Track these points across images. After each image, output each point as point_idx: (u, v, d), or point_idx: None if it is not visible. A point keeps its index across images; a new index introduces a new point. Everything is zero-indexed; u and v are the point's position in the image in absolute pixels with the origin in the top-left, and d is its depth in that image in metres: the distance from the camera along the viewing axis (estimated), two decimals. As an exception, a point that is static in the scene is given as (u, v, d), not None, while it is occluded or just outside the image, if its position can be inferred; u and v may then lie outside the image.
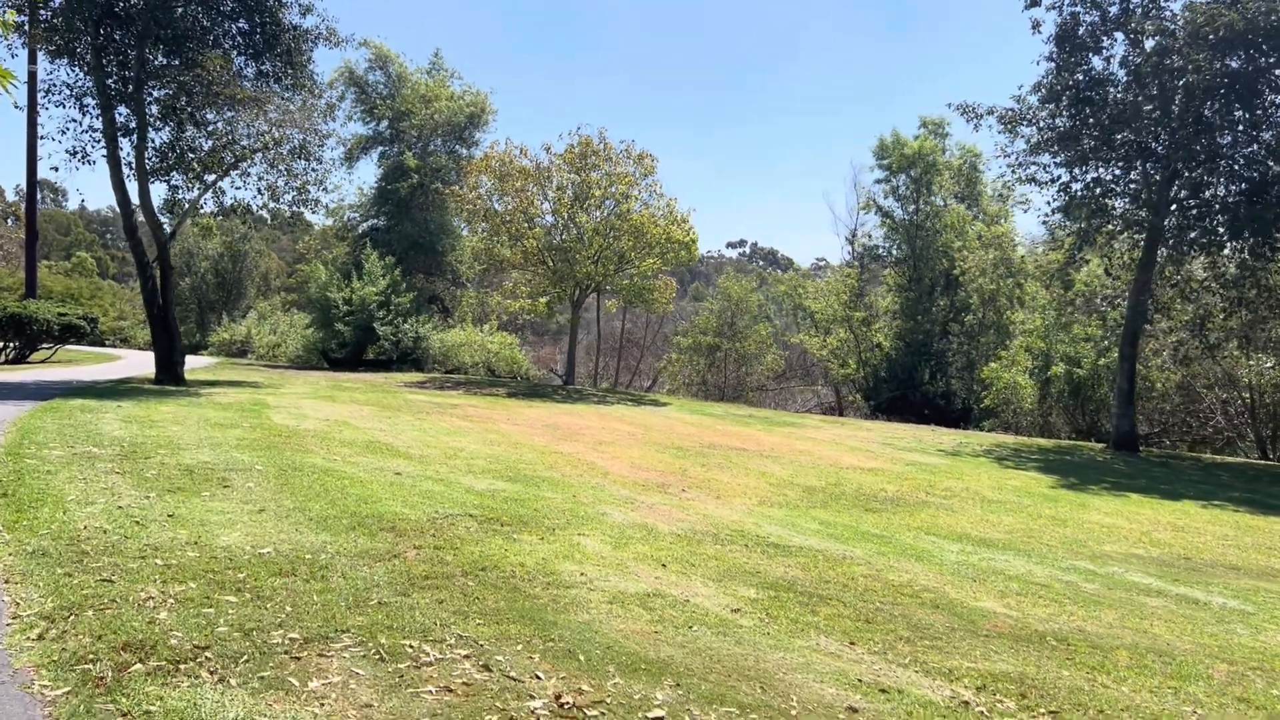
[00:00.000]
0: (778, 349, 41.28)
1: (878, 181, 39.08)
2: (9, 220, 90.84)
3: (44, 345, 30.56)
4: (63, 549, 5.90)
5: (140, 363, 31.86)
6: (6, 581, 5.21)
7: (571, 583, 6.68)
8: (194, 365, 31.76)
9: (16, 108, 18.62)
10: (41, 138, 19.72)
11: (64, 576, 5.35)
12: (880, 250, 39.52)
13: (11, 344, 29.16)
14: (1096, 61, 20.08)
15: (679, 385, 40.60)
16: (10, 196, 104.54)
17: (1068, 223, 21.38)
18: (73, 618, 4.72)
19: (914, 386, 34.91)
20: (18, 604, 4.86)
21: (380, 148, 40.06)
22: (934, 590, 7.83)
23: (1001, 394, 28.51)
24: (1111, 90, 19.36)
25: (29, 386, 17.64)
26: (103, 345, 52.31)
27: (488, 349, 34.48)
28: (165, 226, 20.72)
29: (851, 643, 6.19)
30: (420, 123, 38.44)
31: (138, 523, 6.77)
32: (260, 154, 21.06)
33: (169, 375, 19.73)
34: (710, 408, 27.29)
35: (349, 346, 34.15)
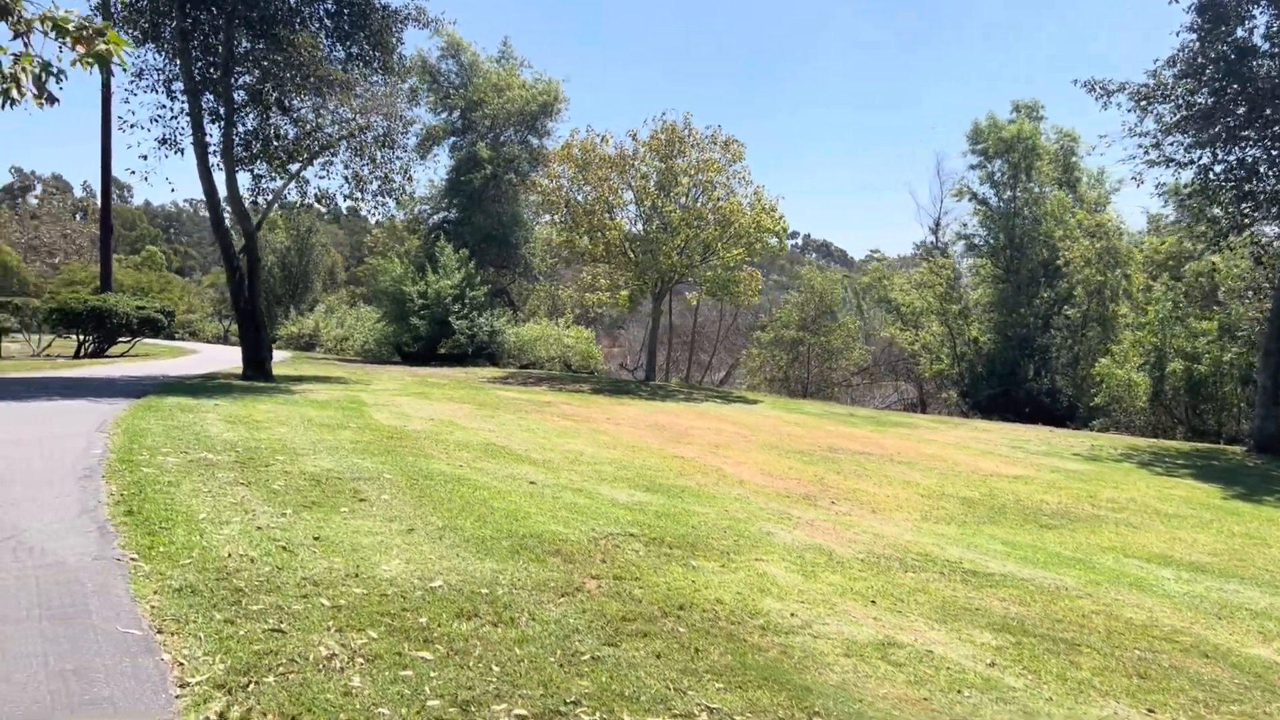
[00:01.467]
0: (863, 343, 39.76)
1: (972, 167, 37.30)
2: (78, 216, 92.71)
3: (122, 339, 30.36)
4: (213, 585, 5.01)
5: (217, 356, 31.59)
6: (160, 632, 4.31)
7: (788, 627, 5.66)
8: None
9: (107, 94, 17.87)
10: (133, 125, 19.05)
11: (225, 625, 4.44)
12: (975, 239, 37.70)
13: (91, 337, 29.00)
14: (1240, 33, 18.43)
15: (759, 381, 39.35)
16: (78, 193, 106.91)
17: (1205, 209, 19.72)
18: (253, 685, 3.80)
19: (1016, 383, 33.16)
20: (182, 665, 3.95)
21: (452, 138, 39.38)
22: (1186, 632, 6.69)
23: (1113, 392, 26.83)
24: (1262, 63, 17.72)
25: (118, 383, 17.10)
26: (173, 338, 52.64)
27: (564, 343, 33.63)
28: (251, 217, 20.08)
29: (1150, 710, 5.10)
30: (493, 112, 37.66)
31: (284, 548, 5.87)
32: (345, 141, 20.33)
33: (257, 370, 19.12)
34: (803, 405, 26.11)
35: (423, 340, 33.50)
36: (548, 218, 31.81)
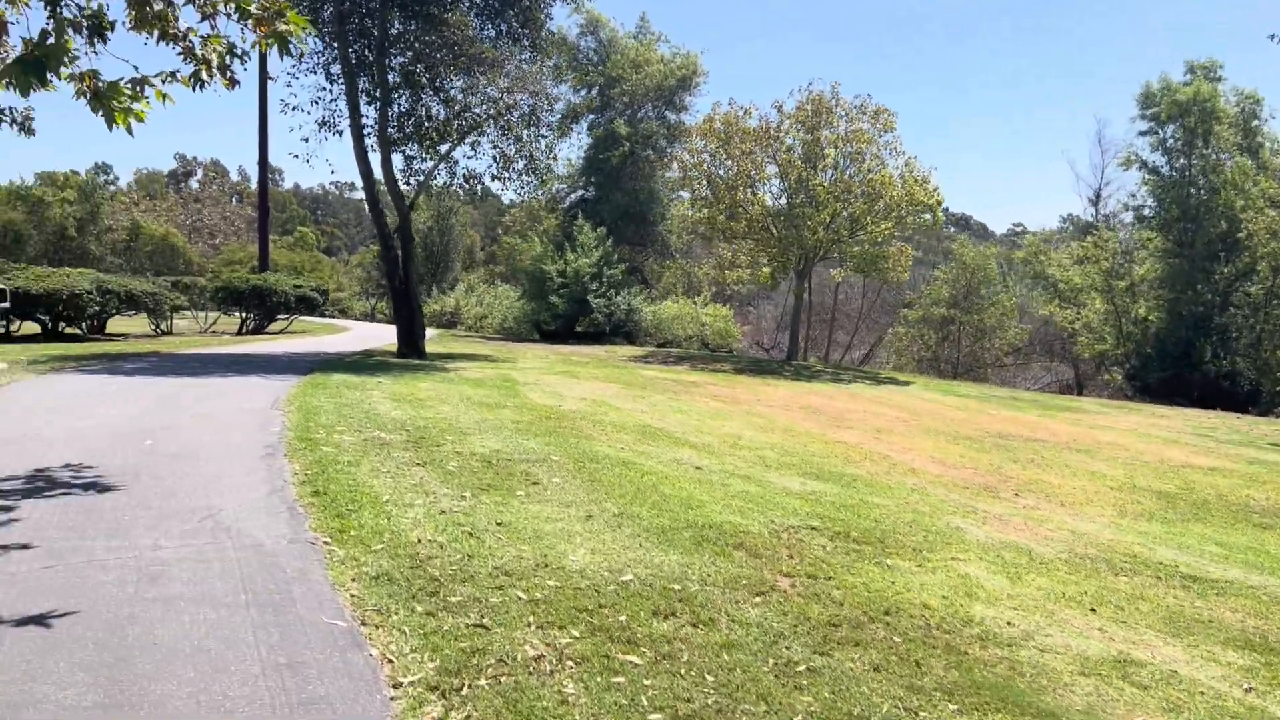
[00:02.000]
0: (1019, 321, 37.74)
1: (1141, 134, 34.69)
2: (234, 199, 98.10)
3: (280, 316, 31.77)
4: (408, 573, 4.89)
5: (368, 334, 32.70)
6: (364, 624, 4.19)
7: (1009, 638, 5.14)
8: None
9: (270, 79, 18.52)
10: (294, 108, 19.75)
11: (427, 618, 4.28)
12: (1144, 210, 35.09)
13: (253, 315, 30.48)
14: None
15: (906, 361, 37.99)
16: (234, 177, 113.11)
17: None
18: (466, 689, 3.61)
19: (1190, 365, 30.76)
20: (392, 663, 3.80)
21: (590, 116, 39.40)
22: None
23: (1305, 376, 24.55)
24: None
25: (282, 359, 17.76)
26: (323, 315, 55.06)
27: (701, 322, 33.26)
28: (405, 198, 20.48)
29: None
30: (630, 88, 37.45)
31: (470, 534, 5.74)
32: (492, 121, 20.45)
33: (411, 348, 19.55)
34: (957, 387, 24.97)
35: (562, 318, 33.79)
36: (686, 194, 31.40)
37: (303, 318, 37.52)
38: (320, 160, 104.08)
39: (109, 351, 17.99)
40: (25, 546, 4.93)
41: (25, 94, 7.20)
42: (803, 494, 8.42)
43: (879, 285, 39.74)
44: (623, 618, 4.60)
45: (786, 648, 4.52)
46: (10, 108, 9.58)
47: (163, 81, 5.89)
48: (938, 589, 5.95)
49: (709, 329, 33.49)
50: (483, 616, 4.37)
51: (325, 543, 5.34)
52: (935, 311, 36.84)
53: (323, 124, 19.35)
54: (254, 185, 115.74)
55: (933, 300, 37.43)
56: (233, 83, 6.87)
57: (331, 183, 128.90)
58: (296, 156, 37.70)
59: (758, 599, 5.24)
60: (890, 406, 17.57)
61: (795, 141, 27.53)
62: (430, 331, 39.10)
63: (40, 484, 6.31)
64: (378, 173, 19.55)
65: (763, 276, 29.41)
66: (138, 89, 5.92)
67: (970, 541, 7.44)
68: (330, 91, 19.25)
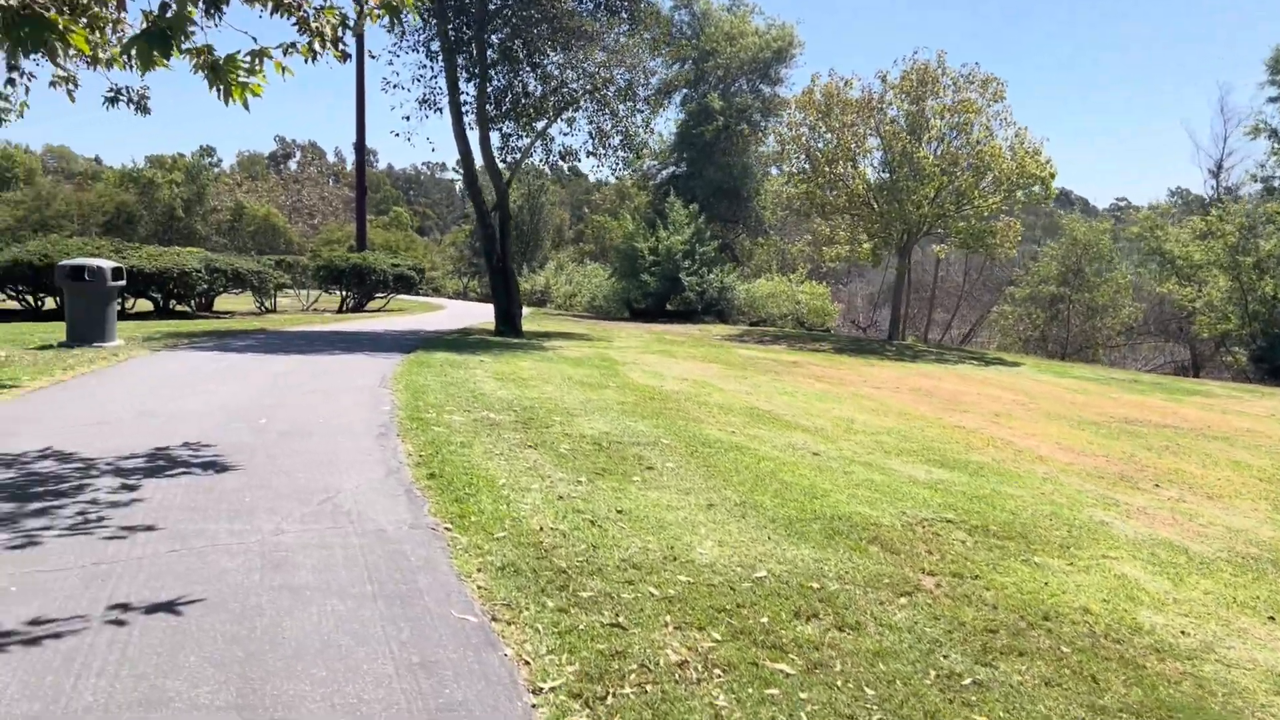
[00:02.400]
0: (1134, 300, 35.88)
1: (1272, 100, 32.50)
2: (331, 180, 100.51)
3: (378, 294, 32.28)
4: (534, 564, 4.65)
5: (463, 312, 33.03)
6: (495, 620, 3.96)
7: (1187, 650, 4.64)
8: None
9: (372, 56, 18.61)
10: (395, 86, 19.83)
11: (560, 615, 4.03)
12: (1275, 182, 32.86)
13: (352, 293, 31.03)
14: None
15: (1011, 340, 36.55)
16: (330, 158, 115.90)
17: None
18: (611, 699, 3.34)
19: (1327, 348, 28.86)
20: (529, 665, 3.55)
21: (683, 90, 38.81)
22: None
23: None
24: None
25: (384, 337, 17.91)
26: (418, 294, 56.00)
27: (797, 300, 32.57)
28: (502, 176, 20.41)
29: None
30: (724, 61, 36.75)
31: (591, 522, 5.48)
32: (589, 96, 20.19)
33: (509, 326, 19.54)
34: (1072, 368, 23.83)
35: (653, 297, 33.51)
36: (783, 168, 30.66)
37: (399, 296, 38.13)
38: (420, 138, 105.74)
39: (218, 329, 18.43)
40: (150, 528, 4.86)
41: (146, 69, 7.15)
42: (930, 483, 7.95)
43: (981, 262, 38.32)
44: (764, 619, 4.28)
45: (945, 657, 4.14)
46: (127, 87, 9.68)
47: (283, 53, 5.76)
48: (1095, 591, 5.46)
49: (805, 307, 32.78)
50: (617, 615, 4.10)
51: (447, 529, 5.15)
52: (1044, 289, 35.26)
53: (423, 101, 19.40)
54: (349, 166, 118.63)
55: (1041, 278, 35.84)
56: (344, 55, 6.72)
57: (424, 163, 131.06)
58: (398, 135, 38.05)
59: (903, 600, 4.86)
60: (1004, 389, 16.78)
61: (899, 113, 26.58)
62: (525, 310, 39.39)
63: (161, 463, 6.30)
64: (475, 151, 19.53)
65: (863, 253, 28.57)
66: (255, 62, 5.79)
67: (1119, 537, 6.88)
68: (430, 69, 19.31)
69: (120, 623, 3.67)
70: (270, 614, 3.84)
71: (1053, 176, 25.51)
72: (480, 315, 30.28)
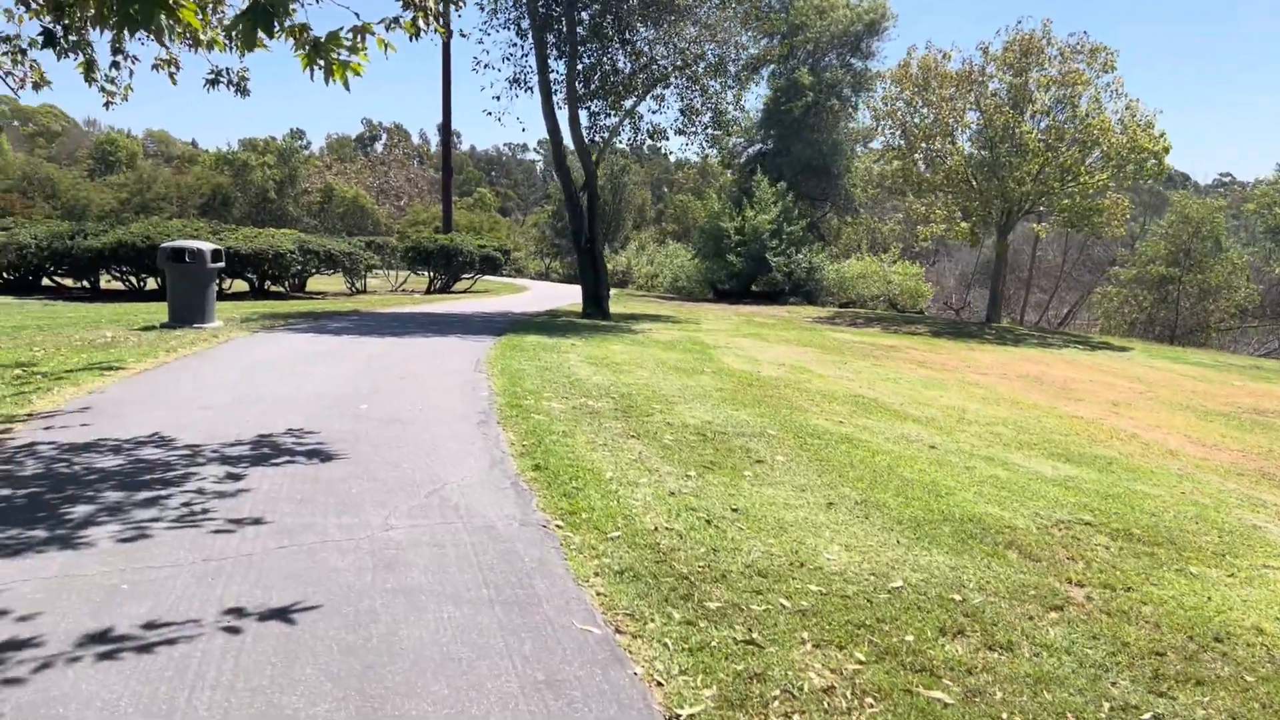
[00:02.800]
0: (1253, 281, 33.85)
1: None
2: (415, 161, 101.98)
3: (464, 275, 32.48)
4: (653, 568, 4.37)
5: (548, 293, 33.03)
6: (619, 632, 3.68)
7: (1389, 681, 4.11)
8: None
9: (463, 35, 18.53)
10: (486, 65, 19.75)
11: (688, 629, 3.74)
12: None
13: (440, 274, 31.27)
14: None
15: (1116, 323, 34.93)
16: (415, 140, 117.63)
17: None
18: (756, 730, 3.02)
19: None
20: (661, 686, 3.27)
21: (770, 66, 37.92)
22: None
23: None
24: None
25: (474, 319, 17.89)
26: (501, 274, 56.39)
27: (889, 281, 31.64)
28: (591, 155, 20.15)
29: None
30: (814, 35, 35.77)
31: (707, 521, 5.18)
32: (679, 72, 19.75)
33: (596, 309, 19.34)
34: (1186, 354, 22.59)
35: (738, 277, 32.94)
36: (875, 144, 29.72)
37: (484, 277, 38.35)
38: (510, 118, 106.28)
39: (312, 310, 18.66)
40: (258, 521, 4.73)
41: (250, 48, 7.01)
42: (1058, 480, 7.43)
43: (1081, 241, 36.69)
44: (908, 637, 3.91)
45: (1113, 684, 3.72)
46: (227, 69, 9.65)
47: (385, 29, 5.54)
48: (1265, 607, 4.93)
49: (897, 288, 31.83)
50: (750, 630, 3.79)
51: (558, 526, 4.91)
52: (1152, 270, 33.50)
53: (514, 81, 19.27)
54: (433, 148, 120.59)
55: (1149, 258, 34.06)
56: (448, 31, 6.50)
57: (505, 144, 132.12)
58: (489, 114, 38.49)
59: (1053, 615, 4.43)
60: (1117, 375, 15.91)
61: (1001, 85, 25.43)
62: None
63: (266, 450, 6.20)
64: (564, 130, 19.33)
65: (960, 232, 27.52)
66: (358, 39, 5.57)
67: (1276, 544, 6.29)
68: (521, 47, 19.13)
69: (233, 629, 3.50)
70: (385, 621, 3.63)
71: (1166, 151, 24.04)
72: (565, 297, 30.23)
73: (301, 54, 5.79)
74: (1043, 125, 25.17)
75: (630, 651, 3.53)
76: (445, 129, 40.95)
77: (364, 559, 4.27)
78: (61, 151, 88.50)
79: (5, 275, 24.81)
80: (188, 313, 13.95)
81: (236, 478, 5.51)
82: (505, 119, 60.75)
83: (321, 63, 5.65)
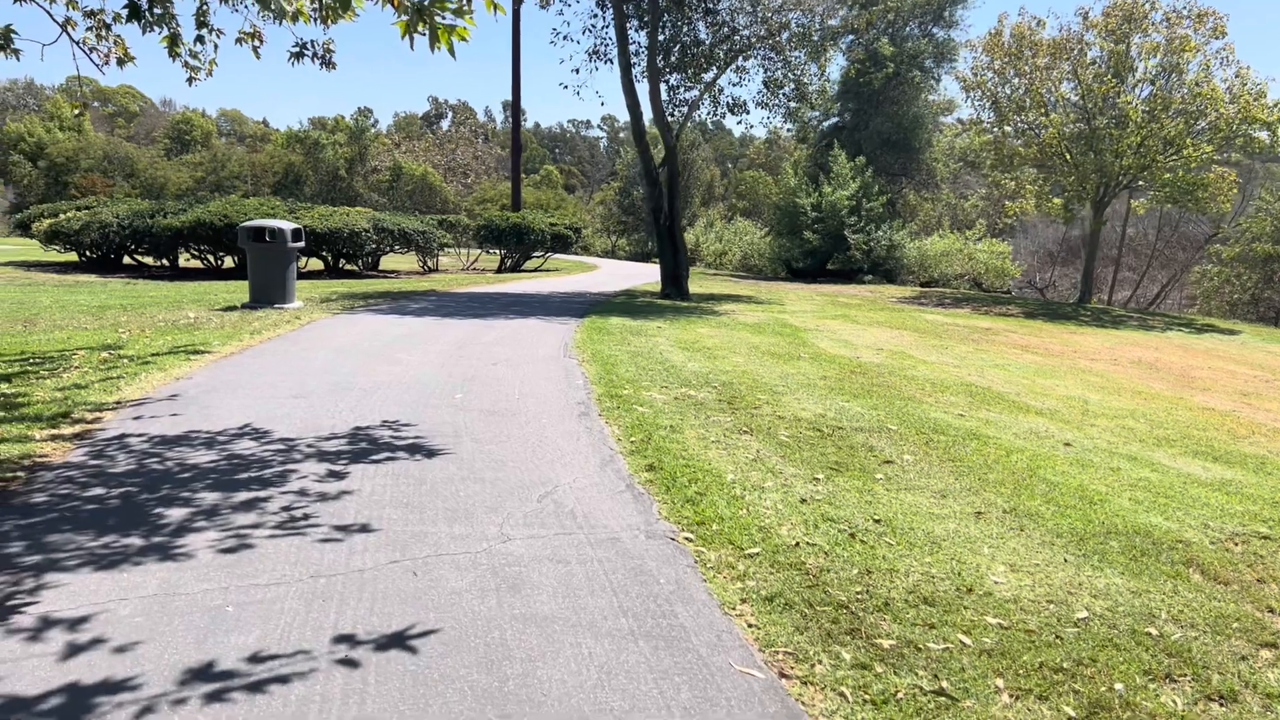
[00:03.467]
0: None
1: None
2: (480, 139, 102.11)
3: (535, 254, 32.16)
4: (804, 593, 3.87)
5: (620, 271, 32.60)
6: (784, 677, 3.20)
7: None
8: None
9: (542, 6, 18.03)
10: (565, 37, 19.28)
11: (863, 673, 3.24)
12: None
13: (512, 252, 31.01)
14: None
15: (1217, 304, 33.23)
16: (481, 118, 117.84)
17: None
18: (980, 818, 2.51)
19: None
20: (850, 750, 2.77)
21: (849, 36, 36.70)
22: None
23: None
24: None
25: (552, 300, 17.53)
26: (569, 252, 56.14)
27: (974, 259, 30.46)
28: (671, 130, 19.54)
29: None
30: (895, 4, 34.44)
31: (851, 535, 4.66)
32: (761, 43, 19.00)
33: (676, 289, 18.82)
34: (1302, 338, 21.24)
35: (814, 255, 32.03)
36: (956, 117, 28.54)
37: (554, 255, 37.99)
38: (590, 91, 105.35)
39: (389, 289, 18.48)
40: (365, 529, 4.34)
41: (337, 19, 6.62)
42: (1214, 483, 6.71)
43: (1176, 217, 34.93)
44: (1116, 684, 3.35)
45: None
46: (312, 41, 9.29)
47: (494, -12, 5.06)
48: None
49: (982, 267, 30.63)
50: (937, 676, 3.26)
51: (687, 539, 4.44)
52: (1258, 248, 31.66)
53: (593, 53, 18.77)
54: (499, 125, 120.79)
55: (1254, 235, 32.21)
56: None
57: (569, 121, 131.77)
58: (565, 87, 37.87)
59: (1266, 654, 3.82)
60: (1235, 362, 14.89)
61: (1100, 53, 24.08)
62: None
63: (363, 444, 5.85)
64: (644, 105, 18.75)
65: (1053, 208, 26.29)
66: (465, 1, 5.11)
67: None
68: (601, 18, 18.59)
69: (351, 662, 3.10)
70: (519, 657, 3.19)
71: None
72: (637, 275, 29.77)
73: (401, 20, 5.34)
74: (1145, 95, 23.79)
75: (804, 703, 3.04)
76: (514, 104, 40.63)
77: (484, 578, 3.85)
78: (139, 131, 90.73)
79: (89, 254, 25.24)
80: (268, 293, 13.80)
81: (337, 476, 5.15)
82: (584, 92, 59.97)
83: (424, 29, 5.19)
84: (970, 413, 8.39)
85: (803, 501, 5.15)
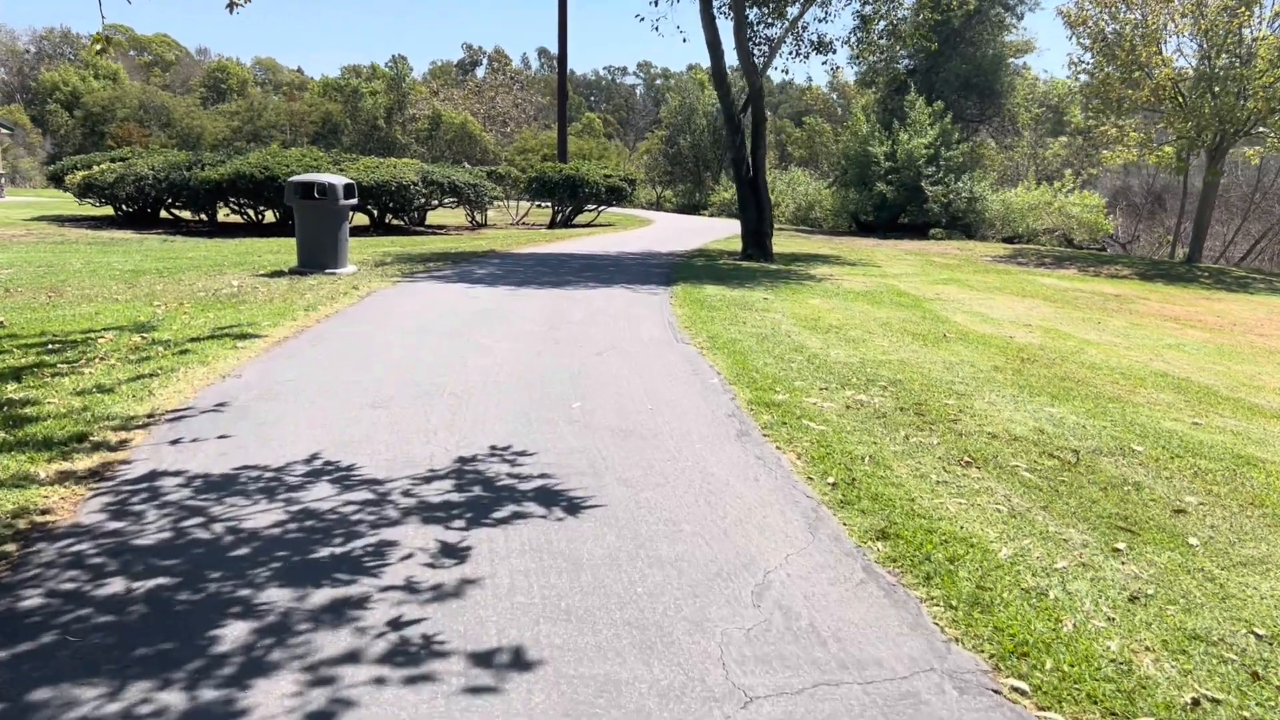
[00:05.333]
0: None
1: None
2: (516, 86, 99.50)
3: (589, 207, 30.38)
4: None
5: (676, 226, 30.87)
6: None
7: None
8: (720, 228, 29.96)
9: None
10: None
11: None
12: None
13: (564, 206, 29.26)
14: None
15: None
16: (516, 64, 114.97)
17: None
18: None
19: None
20: None
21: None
22: None
23: None
24: None
25: (627, 263, 15.88)
26: (621, 205, 54.06)
27: (1066, 213, 28.21)
28: (757, 70, 17.58)
29: None
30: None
31: (1252, 675, 3.02)
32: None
33: (758, 249, 17.07)
34: None
35: (888, 209, 29.87)
36: (1023, 61, 26.04)
37: (615, 210, 36.01)
38: (670, 25, 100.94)
39: (446, 250, 16.94)
40: (518, 664, 2.80)
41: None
42: None
43: (1275, 167, 32.23)
44: None
45: None
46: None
47: None
48: None
49: (1074, 222, 28.36)
50: None
51: (1018, 690, 2.83)
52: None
53: (672, -15, 16.90)
54: (534, 73, 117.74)
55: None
56: None
57: (604, 68, 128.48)
58: (642, 19, 35.57)
59: None
60: None
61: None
62: (723, 222, 36.56)
63: (476, 489, 4.30)
64: (727, 42, 16.82)
65: (1163, 157, 24.00)
66: None
67: None
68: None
69: None
70: None
71: None
72: (698, 231, 28.03)
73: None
74: (1277, 29, 21.35)
75: None
76: (561, 45, 38.60)
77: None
78: (175, 80, 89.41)
79: (125, 208, 23.91)
80: (319, 256, 12.31)
81: (454, 553, 3.60)
82: (664, 26, 56.83)
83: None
84: (1204, 419, 6.66)
85: (1133, 601, 3.51)
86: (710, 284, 12.49)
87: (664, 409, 5.84)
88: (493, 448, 4.91)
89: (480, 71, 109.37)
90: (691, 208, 53.33)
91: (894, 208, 29.77)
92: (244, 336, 7.67)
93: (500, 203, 31.92)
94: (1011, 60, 35.28)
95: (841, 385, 6.68)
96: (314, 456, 4.66)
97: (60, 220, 24.15)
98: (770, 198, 19.19)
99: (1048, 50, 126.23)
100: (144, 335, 7.63)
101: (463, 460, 4.69)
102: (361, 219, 24.11)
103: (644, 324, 8.95)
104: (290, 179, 12.20)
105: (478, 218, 27.57)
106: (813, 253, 20.49)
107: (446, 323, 8.65)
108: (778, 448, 5.13)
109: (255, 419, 5.28)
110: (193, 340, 7.45)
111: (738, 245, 20.14)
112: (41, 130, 70.76)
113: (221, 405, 5.57)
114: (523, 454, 4.83)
